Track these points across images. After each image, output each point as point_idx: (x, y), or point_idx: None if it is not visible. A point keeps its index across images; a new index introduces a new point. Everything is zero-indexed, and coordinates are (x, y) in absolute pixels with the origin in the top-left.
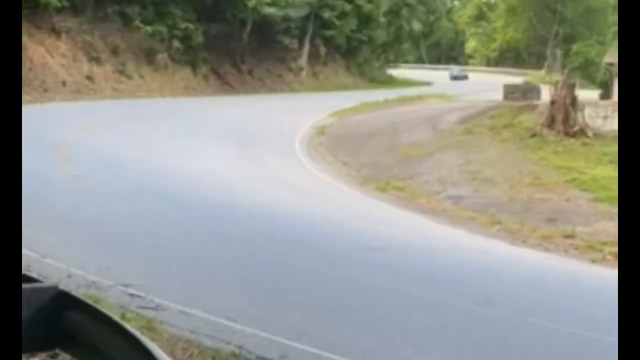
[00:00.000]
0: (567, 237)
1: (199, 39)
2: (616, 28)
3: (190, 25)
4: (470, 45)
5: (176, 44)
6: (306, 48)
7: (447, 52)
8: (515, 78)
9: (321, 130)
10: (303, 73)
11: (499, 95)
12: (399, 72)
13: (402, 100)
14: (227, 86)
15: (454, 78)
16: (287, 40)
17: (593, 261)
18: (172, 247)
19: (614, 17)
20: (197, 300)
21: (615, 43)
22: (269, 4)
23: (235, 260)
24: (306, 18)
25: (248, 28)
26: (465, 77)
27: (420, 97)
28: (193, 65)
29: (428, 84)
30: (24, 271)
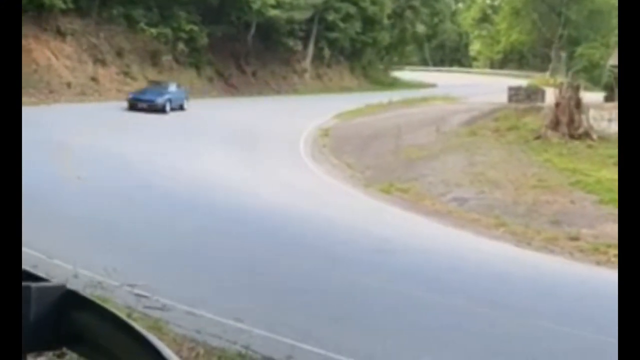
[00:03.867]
0: (572, 239)
1: (204, 41)
2: None
3: (195, 28)
4: (474, 47)
5: (181, 46)
6: (310, 50)
7: (451, 55)
8: (520, 80)
9: (325, 132)
10: (307, 75)
11: (503, 98)
12: (403, 74)
13: (406, 102)
14: (231, 88)
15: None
16: (291, 42)
17: (598, 263)
18: (176, 244)
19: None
20: (205, 300)
21: None
22: (274, 6)
23: (241, 261)
24: (310, 20)
25: (252, 30)
26: (162, 107)
27: (424, 99)
28: (197, 67)
29: (432, 86)
30: (31, 270)
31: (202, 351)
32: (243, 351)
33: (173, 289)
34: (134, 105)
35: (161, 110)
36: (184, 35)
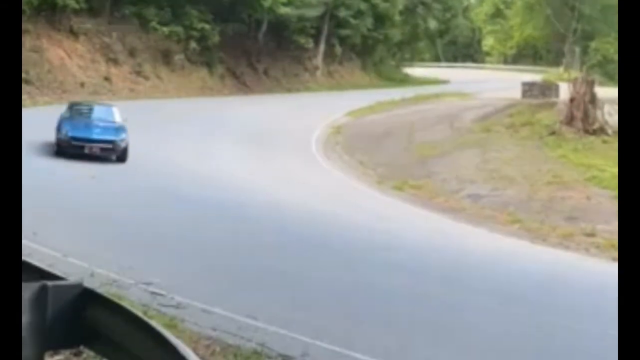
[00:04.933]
0: (587, 235)
1: (215, 39)
2: None
3: (207, 26)
4: (487, 43)
5: (193, 44)
6: (322, 47)
7: (463, 50)
8: (533, 76)
9: (337, 130)
10: (319, 72)
11: (516, 93)
12: (415, 70)
13: (419, 99)
14: (243, 86)
15: (72, 148)
16: (302, 40)
17: (614, 259)
18: (187, 241)
19: None
20: (218, 299)
21: None
22: (285, 4)
23: (254, 261)
24: (321, 17)
25: (264, 28)
26: None
27: (437, 96)
28: (209, 66)
29: (445, 82)
30: (46, 269)
31: (218, 349)
32: (259, 348)
33: (186, 285)
34: (76, 148)
35: (121, 157)
36: (195, 33)
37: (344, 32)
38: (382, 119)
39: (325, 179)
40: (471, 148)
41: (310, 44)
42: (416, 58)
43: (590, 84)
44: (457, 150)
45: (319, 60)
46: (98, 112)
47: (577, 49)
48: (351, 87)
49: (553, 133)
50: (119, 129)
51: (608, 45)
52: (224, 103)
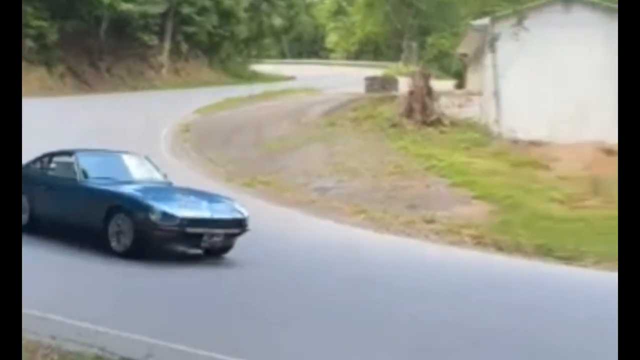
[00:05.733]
0: (427, 222)
1: (54, 37)
2: (468, 20)
3: (44, 23)
4: (331, 39)
5: (29, 43)
6: (167, 44)
7: (308, 47)
8: (376, 71)
9: (186, 128)
10: (164, 70)
11: (360, 88)
12: (262, 67)
13: (266, 95)
14: (85, 85)
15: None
16: (146, 37)
17: (452, 243)
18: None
19: (465, 10)
20: (57, 305)
21: (468, 34)
22: (126, 0)
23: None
24: (165, 14)
25: (104, 25)
26: None
27: (284, 92)
28: (48, 65)
29: (291, 78)
30: None
31: (56, 357)
32: (100, 353)
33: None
34: (190, 241)
35: (222, 248)
36: (31, 31)
37: (189, 29)
38: (231, 116)
39: (173, 177)
40: (318, 142)
41: (154, 41)
42: (263, 55)
43: (427, 78)
44: (305, 144)
45: (164, 57)
46: (127, 166)
47: (414, 44)
48: (198, 85)
49: (394, 125)
50: (226, 200)
51: (444, 40)
52: (64, 104)
